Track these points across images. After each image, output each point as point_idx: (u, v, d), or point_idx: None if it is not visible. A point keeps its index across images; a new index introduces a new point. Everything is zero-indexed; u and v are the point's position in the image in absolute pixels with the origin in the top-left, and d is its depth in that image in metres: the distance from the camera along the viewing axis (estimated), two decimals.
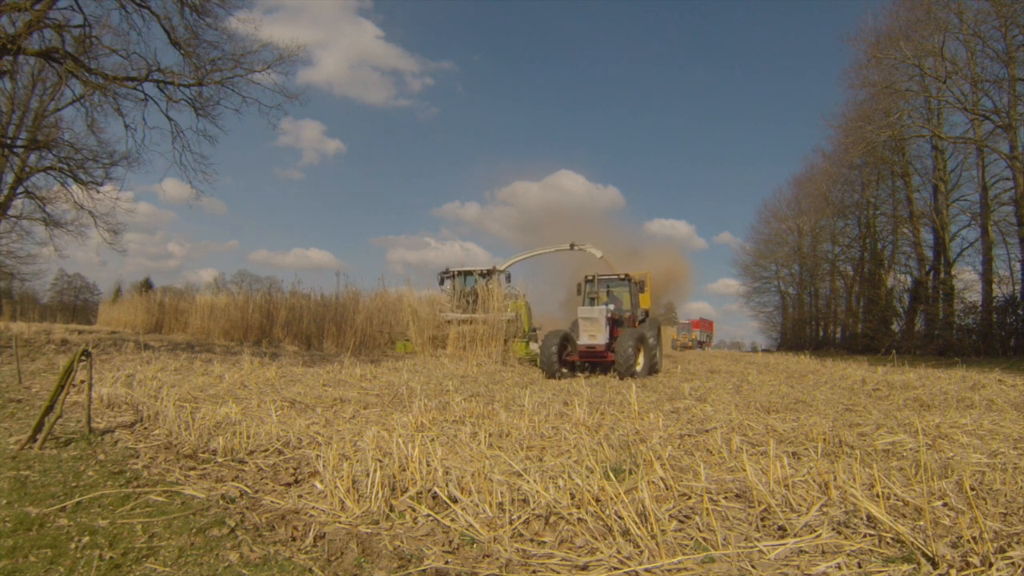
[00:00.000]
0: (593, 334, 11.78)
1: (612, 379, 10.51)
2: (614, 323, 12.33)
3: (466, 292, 17.38)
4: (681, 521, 2.73)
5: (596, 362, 12.20)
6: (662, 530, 2.55)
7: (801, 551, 2.40)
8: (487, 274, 17.54)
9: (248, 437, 4.23)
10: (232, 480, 3.50)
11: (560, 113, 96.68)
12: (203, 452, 4.09)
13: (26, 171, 20.26)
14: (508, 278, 17.78)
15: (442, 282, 17.94)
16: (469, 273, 17.98)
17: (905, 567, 2.22)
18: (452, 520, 2.75)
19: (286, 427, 4.63)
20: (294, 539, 2.65)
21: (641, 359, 11.49)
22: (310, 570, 2.35)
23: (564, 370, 11.96)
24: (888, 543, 2.43)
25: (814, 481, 3.13)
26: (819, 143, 52.78)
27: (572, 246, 18.78)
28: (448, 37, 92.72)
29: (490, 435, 4.49)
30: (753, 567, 2.26)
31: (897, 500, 2.91)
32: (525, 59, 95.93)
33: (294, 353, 16.69)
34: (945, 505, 2.86)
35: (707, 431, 4.77)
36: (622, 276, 13.53)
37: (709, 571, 2.23)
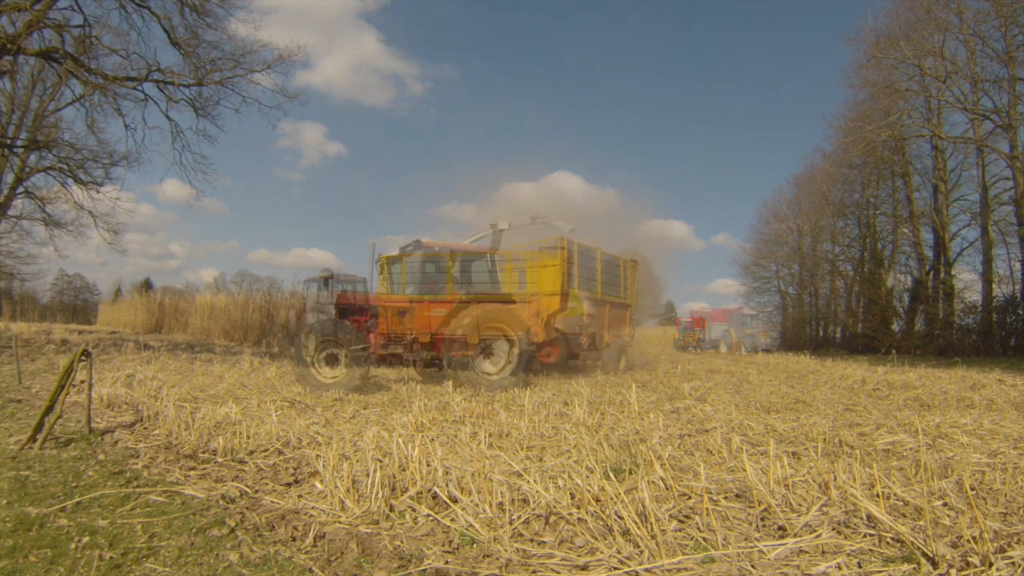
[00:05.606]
0: None
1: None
2: (355, 311, 8.86)
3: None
4: (681, 521, 2.73)
5: None
6: (662, 530, 2.55)
7: (801, 551, 2.40)
8: (324, 282, 13.62)
9: (248, 437, 4.23)
10: (232, 480, 3.50)
11: (558, 114, 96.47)
12: (203, 452, 4.09)
13: (26, 171, 20.29)
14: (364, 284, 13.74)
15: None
16: (311, 281, 13.78)
17: (905, 567, 2.22)
18: (452, 520, 2.75)
19: (286, 427, 4.64)
20: (294, 539, 2.65)
21: (338, 366, 8.07)
22: (310, 570, 2.35)
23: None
24: (888, 543, 2.43)
25: (814, 481, 3.12)
26: (819, 143, 52.62)
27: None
28: (448, 42, 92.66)
29: (490, 435, 4.49)
30: (753, 567, 2.26)
31: (897, 500, 2.91)
32: (524, 62, 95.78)
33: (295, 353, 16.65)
34: (945, 505, 2.85)
35: (707, 431, 4.77)
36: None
37: (709, 571, 2.23)
